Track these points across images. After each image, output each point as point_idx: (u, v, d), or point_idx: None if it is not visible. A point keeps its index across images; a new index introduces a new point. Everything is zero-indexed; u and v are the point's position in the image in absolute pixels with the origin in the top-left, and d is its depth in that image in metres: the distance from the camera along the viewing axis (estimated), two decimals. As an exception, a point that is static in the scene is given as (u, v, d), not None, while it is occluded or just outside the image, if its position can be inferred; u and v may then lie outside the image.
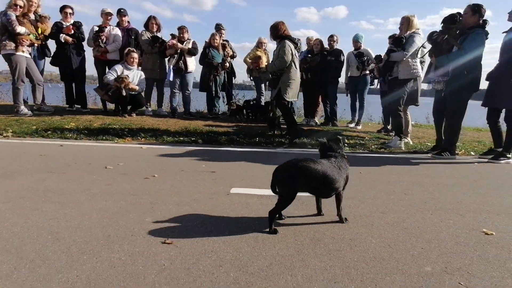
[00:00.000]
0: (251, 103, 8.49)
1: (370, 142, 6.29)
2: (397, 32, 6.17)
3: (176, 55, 7.80)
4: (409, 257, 1.97)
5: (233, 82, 9.05)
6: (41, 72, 7.43)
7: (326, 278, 1.72)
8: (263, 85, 8.95)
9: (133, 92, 7.32)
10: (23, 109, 6.75)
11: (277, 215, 2.49)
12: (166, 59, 7.97)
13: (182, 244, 2.01)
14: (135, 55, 7.39)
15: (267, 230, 2.25)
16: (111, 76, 7.19)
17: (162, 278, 1.65)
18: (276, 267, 1.80)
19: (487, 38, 4.74)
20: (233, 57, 8.62)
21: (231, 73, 8.70)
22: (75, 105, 8.12)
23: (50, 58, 7.44)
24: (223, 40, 8.35)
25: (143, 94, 8.12)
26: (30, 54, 6.75)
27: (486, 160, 5.11)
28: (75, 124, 6.32)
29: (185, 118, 7.94)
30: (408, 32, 5.49)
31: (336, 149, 2.51)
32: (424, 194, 3.29)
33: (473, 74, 4.80)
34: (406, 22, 5.54)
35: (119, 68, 7.27)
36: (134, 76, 7.49)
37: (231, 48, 8.51)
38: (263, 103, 8.52)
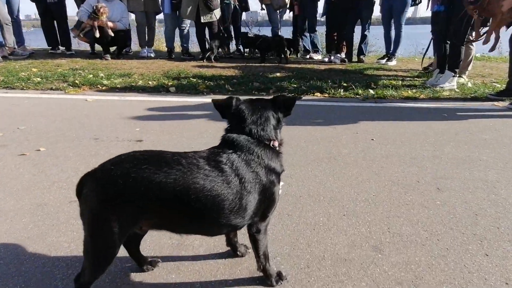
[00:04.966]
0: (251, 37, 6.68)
1: (408, 83, 4.51)
2: None
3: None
4: None
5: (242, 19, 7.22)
6: (17, 10, 6.40)
7: None
8: (278, 14, 7.09)
9: (111, 29, 6.03)
10: (-10, 53, 5.87)
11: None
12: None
13: None
14: (113, -21, 5.94)
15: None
16: (85, 11, 5.90)
17: None
18: None
19: None
20: None
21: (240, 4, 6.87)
22: (60, 47, 7.09)
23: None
24: None
25: (130, 32, 6.84)
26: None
27: None
28: (38, 69, 5.32)
29: (182, 59, 6.56)
30: None
31: (257, 129, 1.10)
32: (460, 193, 1.78)
33: None
34: None
35: (93, 0, 5.92)
36: (114, 9, 6.12)
37: None
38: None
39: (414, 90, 4.17)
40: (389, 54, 6.09)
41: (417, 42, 8.50)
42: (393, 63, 6.01)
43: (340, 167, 2.07)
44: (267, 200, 1.07)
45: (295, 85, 4.53)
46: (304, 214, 1.56)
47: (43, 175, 1.98)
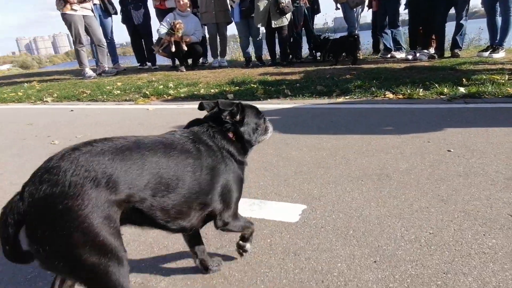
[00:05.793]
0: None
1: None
2: None
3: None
4: None
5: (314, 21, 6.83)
6: (110, 31, 7.30)
7: None
8: (354, 13, 6.49)
9: (186, 43, 6.34)
10: (88, 71, 6.77)
11: None
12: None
13: None
14: (183, -4, 6.26)
15: None
16: (163, 28, 6.36)
17: None
18: None
19: None
20: None
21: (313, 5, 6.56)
22: (147, 63, 7.83)
23: (120, 16, 7.18)
24: None
25: (205, 44, 7.13)
26: (92, 11, 6.51)
27: None
28: (122, 83, 5.88)
29: (254, 66, 6.53)
30: None
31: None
32: None
33: None
34: None
35: (170, 17, 6.36)
36: (189, 23, 6.45)
37: None
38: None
39: (527, 86, 3.16)
40: (495, 45, 4.89)
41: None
42: (499, 55, 4.80)
43: (391, 188, 1.54)
44: (220, 179, 0.99)
45: (362, 86, 3.94)
46: (317, 255, 1.14)
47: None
